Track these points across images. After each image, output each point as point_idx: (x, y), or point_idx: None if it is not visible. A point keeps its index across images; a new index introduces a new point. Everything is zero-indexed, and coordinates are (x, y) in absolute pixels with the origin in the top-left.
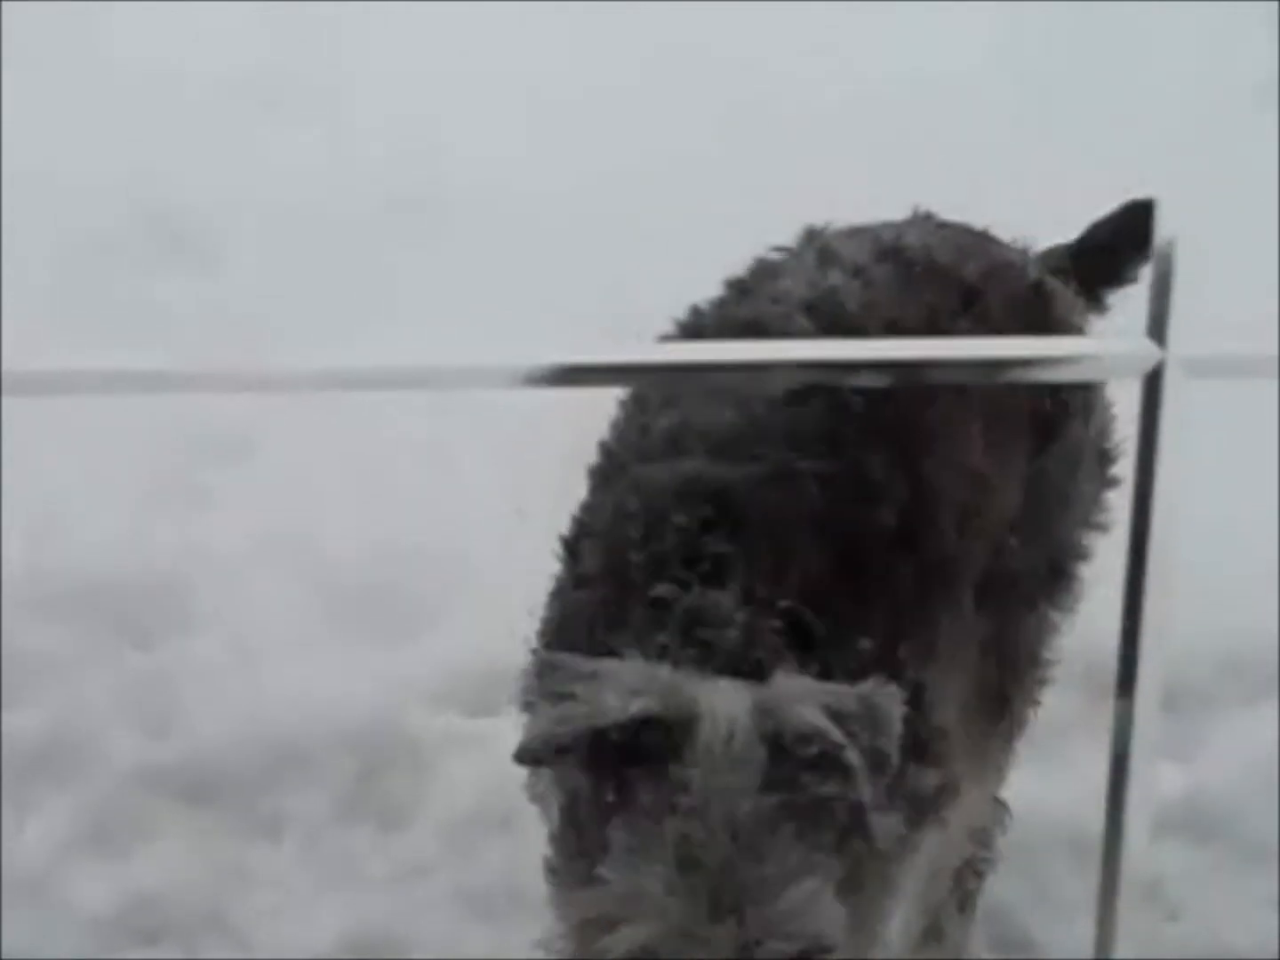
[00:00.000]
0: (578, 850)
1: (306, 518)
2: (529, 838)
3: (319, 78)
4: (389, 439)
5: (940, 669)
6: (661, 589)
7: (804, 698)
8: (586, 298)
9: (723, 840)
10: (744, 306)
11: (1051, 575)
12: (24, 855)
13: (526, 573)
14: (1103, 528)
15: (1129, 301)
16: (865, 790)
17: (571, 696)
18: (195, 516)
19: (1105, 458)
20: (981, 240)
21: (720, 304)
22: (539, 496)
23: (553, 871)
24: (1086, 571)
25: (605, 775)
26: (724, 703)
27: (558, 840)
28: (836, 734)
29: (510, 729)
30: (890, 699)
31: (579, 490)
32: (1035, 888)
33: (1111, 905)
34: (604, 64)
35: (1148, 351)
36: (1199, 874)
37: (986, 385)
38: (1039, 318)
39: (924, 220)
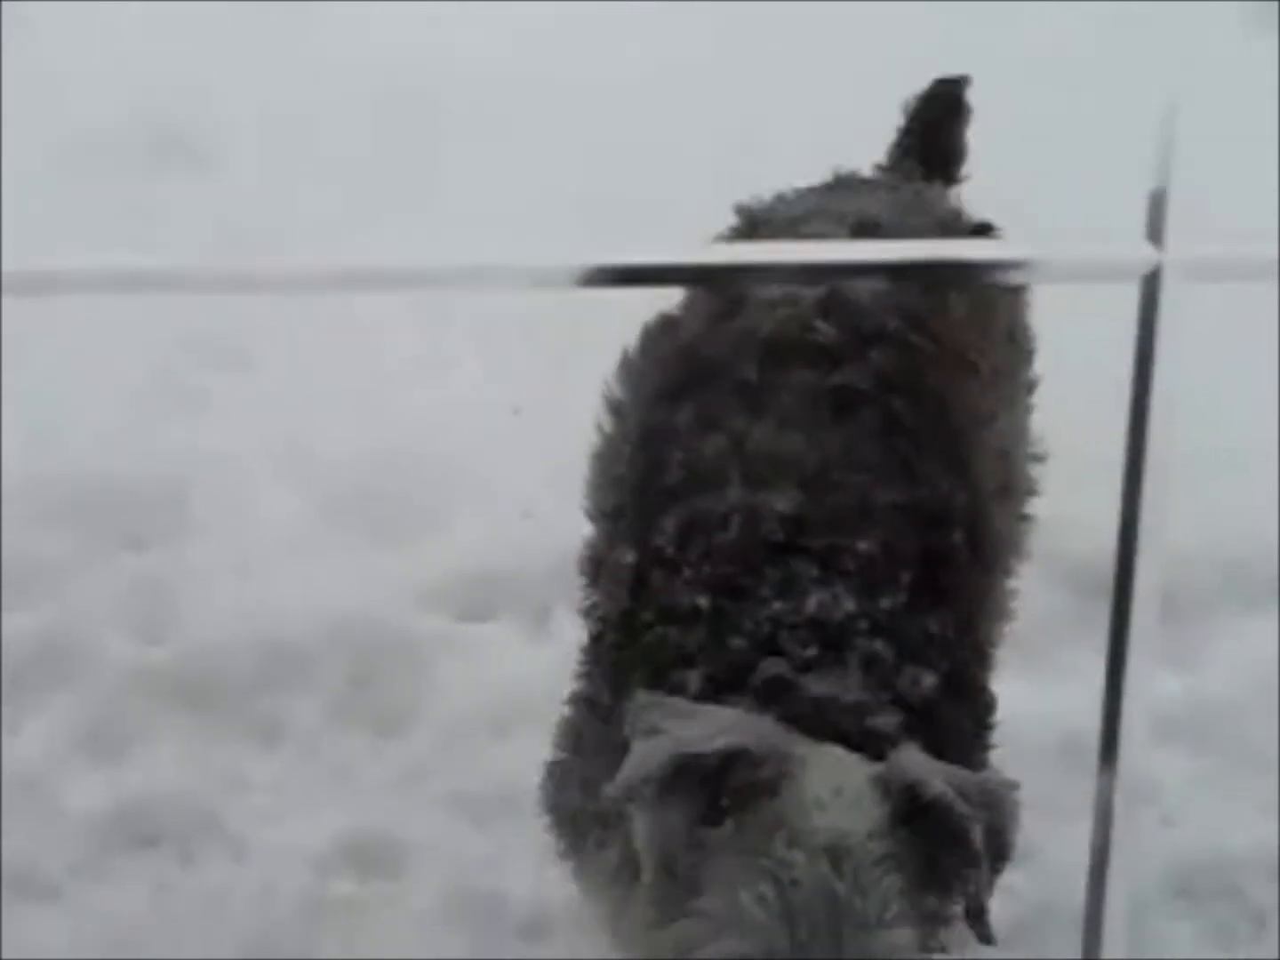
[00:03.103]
0: (670, 897)
1: (303, 422)
2: (524, 742)
3: None
4: (385, 345)
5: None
6: (774, 666)
7: (928, 772)
8: (582, 199)
9: (824, 868)
10: (749, 316)
11: (1017, 524)
12: (20, 758)
13: (522, 476)
14: (1040, 459)
15: (1125, 203)
16: (985, 872)
17: (663, 732)
18: (192, 421)
19: (1032, 389)
20: (918, 195)
21: (720, 315)
22: (535, 397)
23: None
24: (1083, 475)
25: (694, 814)
26: (836, 762)
27: (651, 889)
28: (963, 805)
29: (505, 634)
30: (1010, 789)
31: (573, 389)
32: (1032, 793)
33: (1109, 811)
34: None
35: (1146, 254)
36: (1196, 780)
37: (986, 329)
38: None
39: (865, 185)
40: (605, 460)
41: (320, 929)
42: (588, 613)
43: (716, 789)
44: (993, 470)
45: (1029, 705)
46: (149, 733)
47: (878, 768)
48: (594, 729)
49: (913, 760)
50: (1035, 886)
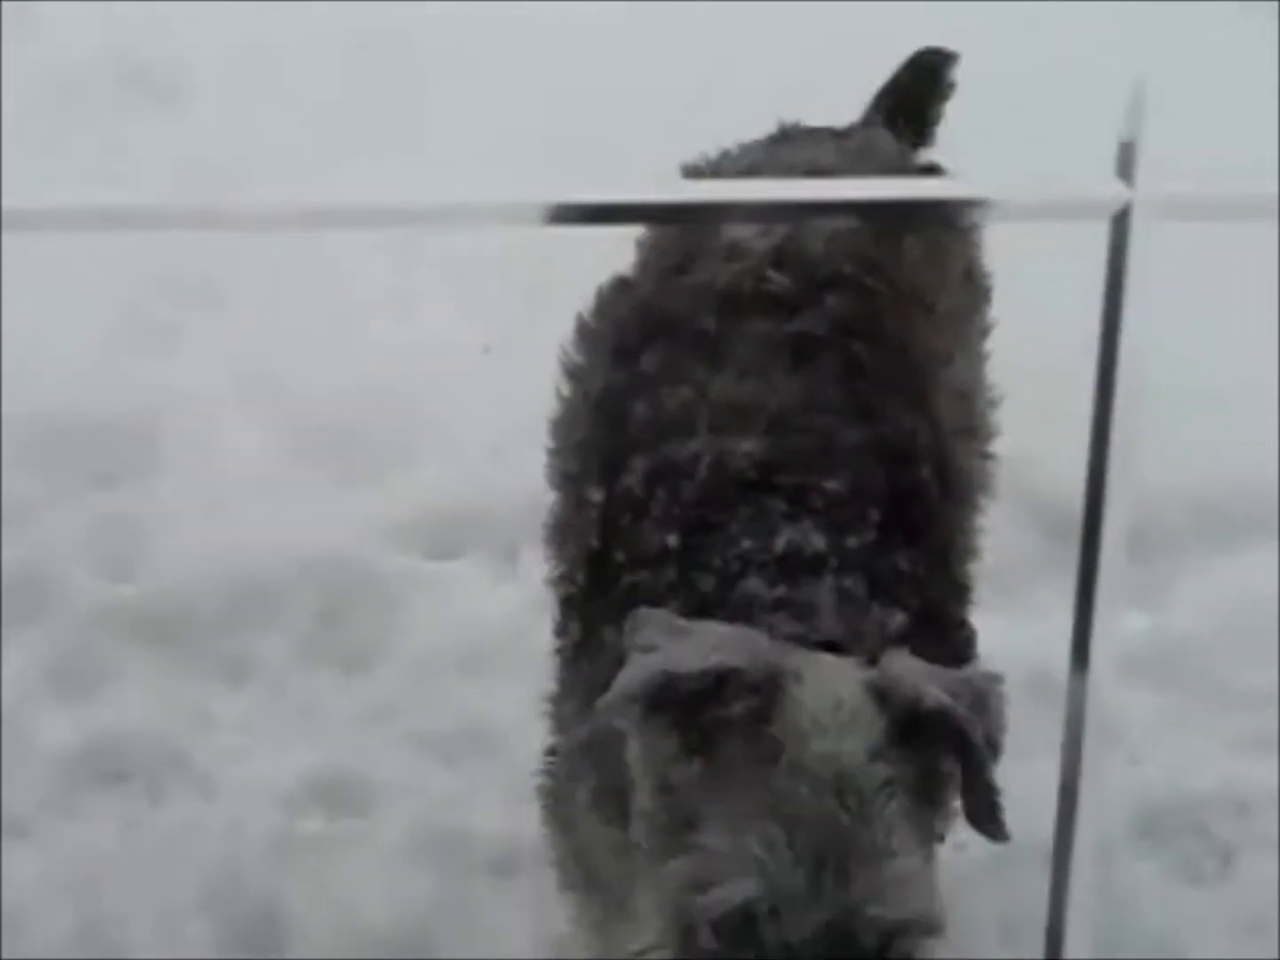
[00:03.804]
0: (668, 824)
1: (273, 360)
2: (492, 680)
3: None
4: (355, 282)
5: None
6: (750, 589)
7: (920, 677)
8: (552, 138)
9: (827, 801)
10: (702, 271)
11: (981, 462)
12: None
13: (492, 414)
14: (996, 403)
15: (1095, 141)
16: (990, 772)
17: (655, 649)
18: (162, 358)
19: (988, 334)
20: (865, 141)
21: (674, 271)
22: (505, 335)
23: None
24: (1053, 414)
25: (690, 736)
26: (830, 672)
27: (648, 818)
28: (961, 710)
29: (474, 572)
30: (995, 683)
31: (543, 328)
32: None
33: (1075, 748)
34: None
35: (1116, 192)
36: (1163, 718)
37: (944, 268)
38: None
39: (811, 135)
40: (565, 425)
41: (288, 866)
42: (556, 583)
43: (705, 711)
44: (953, 409)
45: (998, 643)
46: (117, 670)
47: (870, 674)
48: (567, 672)
49: (904, 665)
50: None
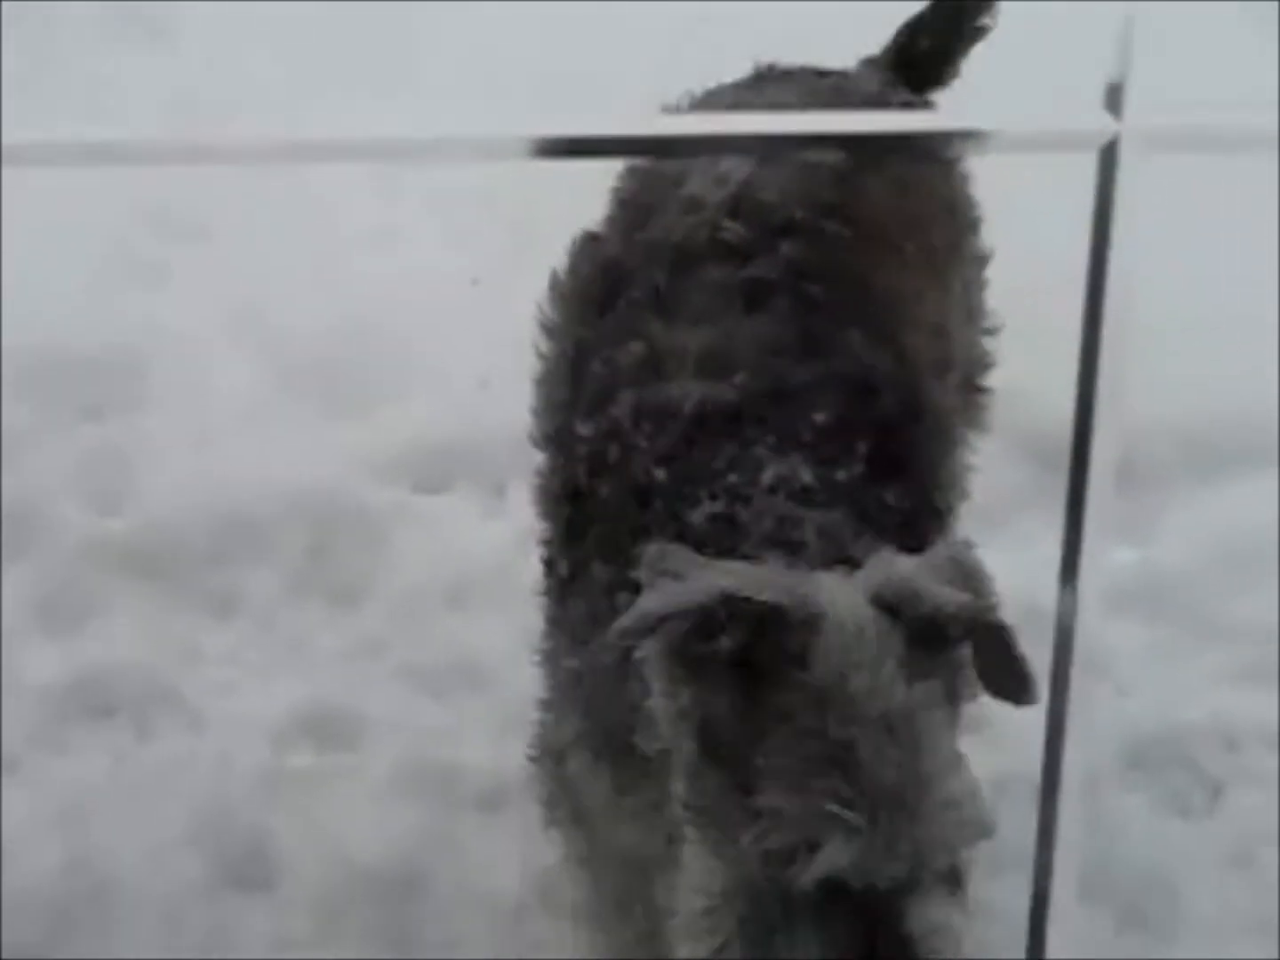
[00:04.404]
0: (721, 784)
1: (261, 293)
2: (480, 614)
3: None
4: (342, 216)
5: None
6: (740, 518)
7: (916, 575)
8: (541, 73)
9: (882, 742)
10: (657, 224)
11: (969, 393)
12: None
13: (479, 346)
14: (994, 332)
15: (1084, 75)
16: (1018, 643)
17: (682, 577)
18: (150, 292)
19: (983, 263)
20: (842, 80)
21: (632, 227)
22: (492, 268)
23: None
24: (1043, 347)
25: (723, 677)
26: (841, 596)
27: (694, 776)
28: (974, 604)
29: (462, 505)
30: (970, 550)
31: (531, 260)
32: None
33: (1064, 681)
34: None
35: (1104, 124)
36: (1150, 651)
37: (924, 219)
38: None
39: (787, 76)
40: (547, 385)
41: (277, 800)
42: (542, 521)
43: (738, 649)
44: (927, 345)
45: None
46: (105, 604)
47: (868, 584)
48: (555, 609)
49: (895, 566)
50: (990, 758)
